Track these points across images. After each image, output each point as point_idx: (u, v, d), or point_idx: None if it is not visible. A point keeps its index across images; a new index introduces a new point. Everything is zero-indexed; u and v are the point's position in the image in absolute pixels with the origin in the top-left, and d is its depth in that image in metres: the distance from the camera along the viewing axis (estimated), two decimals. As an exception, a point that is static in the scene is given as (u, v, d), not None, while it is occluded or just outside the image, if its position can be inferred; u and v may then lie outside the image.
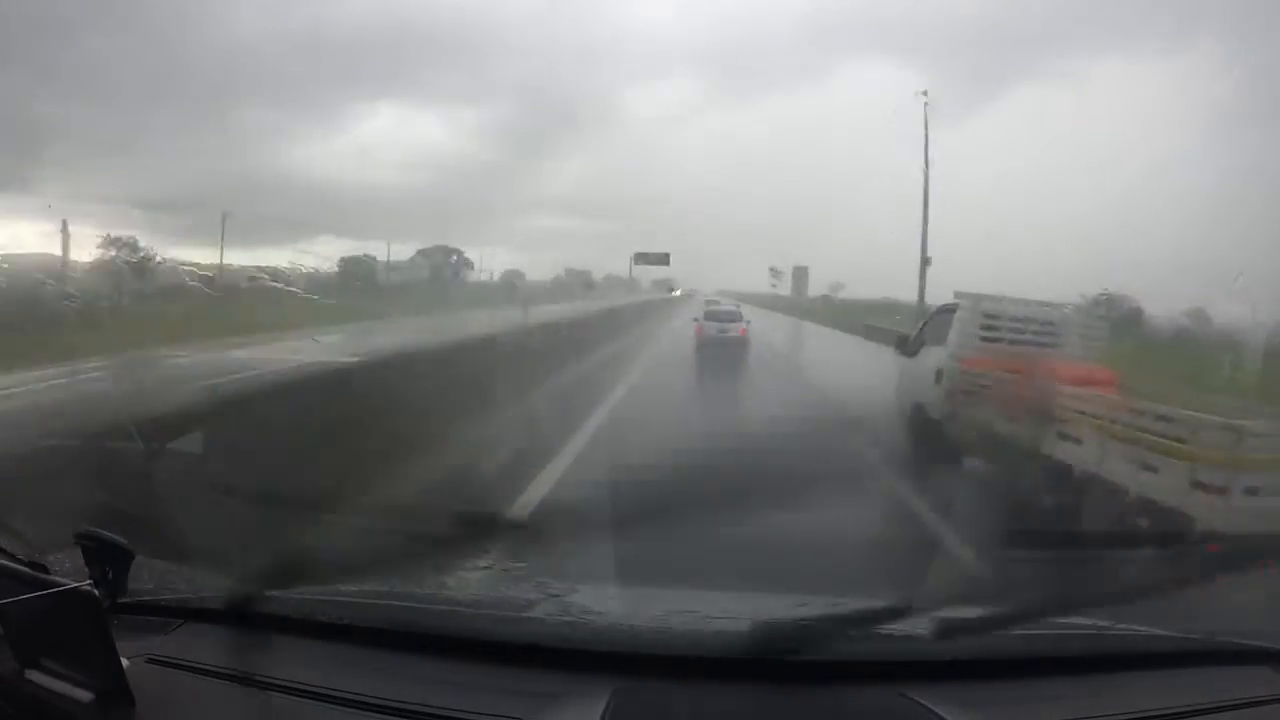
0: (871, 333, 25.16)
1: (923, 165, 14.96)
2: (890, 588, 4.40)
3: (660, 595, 2.88)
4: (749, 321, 22.50)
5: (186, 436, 4.74)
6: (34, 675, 1.61)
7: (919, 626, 2.02)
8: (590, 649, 1.89)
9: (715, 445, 9.60)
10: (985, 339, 8.65)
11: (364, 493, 5.34)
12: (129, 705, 1.59)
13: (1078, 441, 6.22)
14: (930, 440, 8.73)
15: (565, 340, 13.78)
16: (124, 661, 1.62)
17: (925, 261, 15.23)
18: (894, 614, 2.02)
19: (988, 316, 8.76)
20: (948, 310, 9.38)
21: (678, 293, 34.45)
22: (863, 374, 17.21)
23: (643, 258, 23.31)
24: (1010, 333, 8.64)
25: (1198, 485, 4.98)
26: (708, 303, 24.98)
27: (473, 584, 3.28)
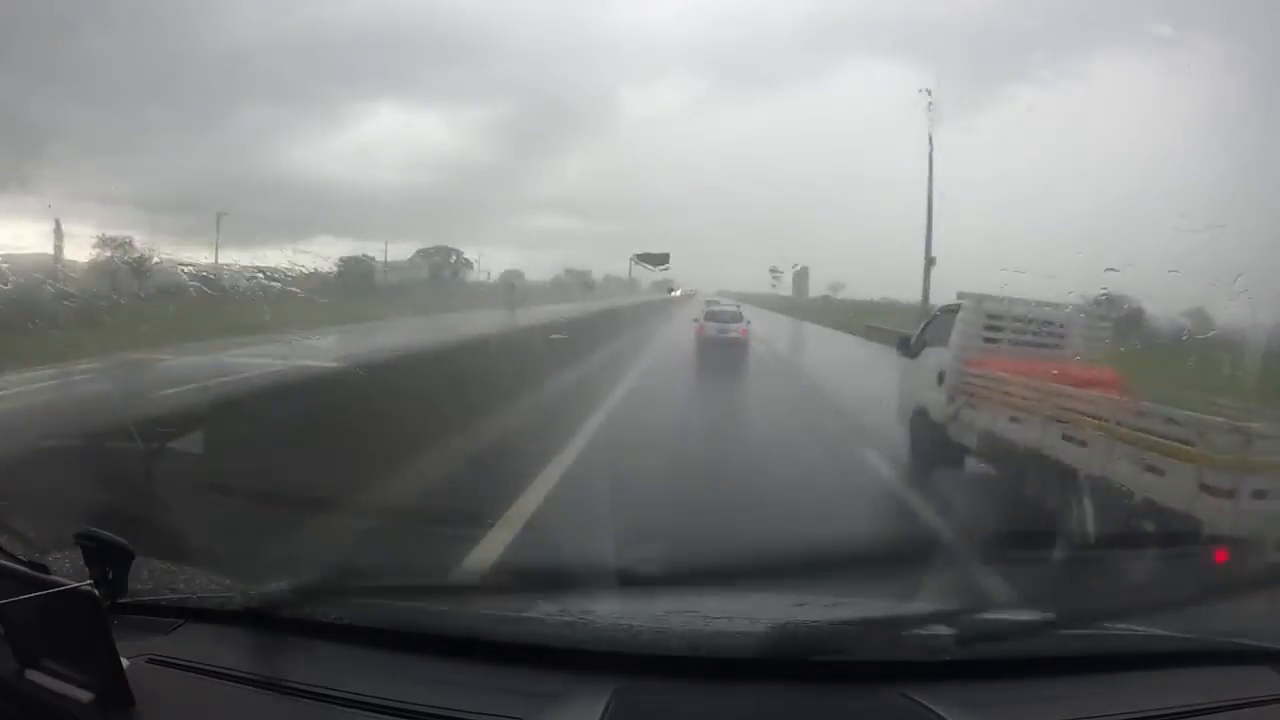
0: (873, 334, 25.17)
1: (925, 164, 14.83)
2: (890, 588, 4.40)
3: (660, 595, 2.87)
4: (749, 322, 22.50)
5: (187, 436, 4.74)
6: (34, 675, 1.61)
7: (920, 626, 2.02)
8: (590, 649, 1.89)
9: (715, 453, 9.59)
10: (988, 340, 8.58)
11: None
12: (129, 705, 1.59)
13: (1082, 444, 6.13)
14: (932, 442, 8.69)
15: (557, 343, 13.58)
16: (124, 661, 1.62)
17: (930, 261, 15.08)
18: (894, 614, 2.02)
19: (990, 317, 8.68)
20: (950, 311, 9.33)
21: (677, 293, 34.36)
22: (864, 375, 17.23)
23: (642, 258, 23.29)
24: (1013, 334, 8.56)
25: (1205, 488, 4.91)
26: (708, 303, 24.96)
27: (472, 583, 3.28)
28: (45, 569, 1.80)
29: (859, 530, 6.41)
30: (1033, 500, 6.55)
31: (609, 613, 2.27)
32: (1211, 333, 7.38)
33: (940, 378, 8.69)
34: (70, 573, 1.82)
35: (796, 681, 1.84)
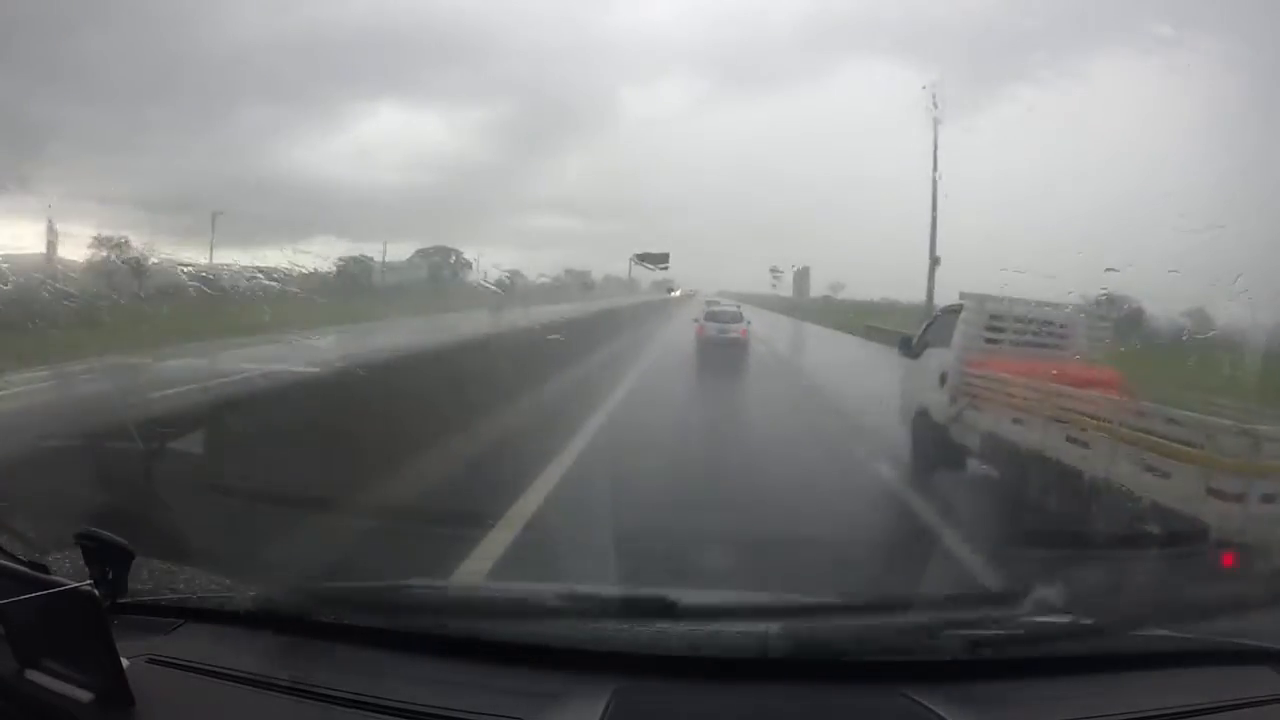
0: (872, 334, 25.16)
1: (925, 164, 14.72)
2: (891, 588, 4.41)
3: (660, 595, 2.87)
4: (749, 322, 22.51)
5: (187, 436, 4.74)
6: (34, 675, 1.61)
7: (919, 626, 2.02)
8: (590, 649, 1.89)
9: (715, 453, 9.58)
10: (990, 340, 8.53)
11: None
12: (129, 705, 1.59)
13: (1087, 446, 6.07)
14: (934, 443, 8.65)
15: (554, 344, 13.42)
16: (124, 661, 1.62)
17: (935, 261, 14.94)
18: (894, 614, 2.02)
19: (993, 318, 8.64)
20: (952, 311, 9.30)
21: (676, 293, 34.26)
22: (864, 375, 17.23)
23: (642, 258, 23.27)
24: (1016, 334, 8.52)
25: (1213, 492, 4.84)
26: (708, 303, 24.95)
27: (472, 584, 3.29)
28: (45, 569, 1.81)
29: (859, 530, 6.41)
30: (1035, 502, 6.49)
31: (609, 613, 2.27)
32: (1211, 333, 7.37)
33: (942, 379, 8.66)
34: (70, 573, 1.82)
35: (796, 681, 1.84)
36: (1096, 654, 2.01)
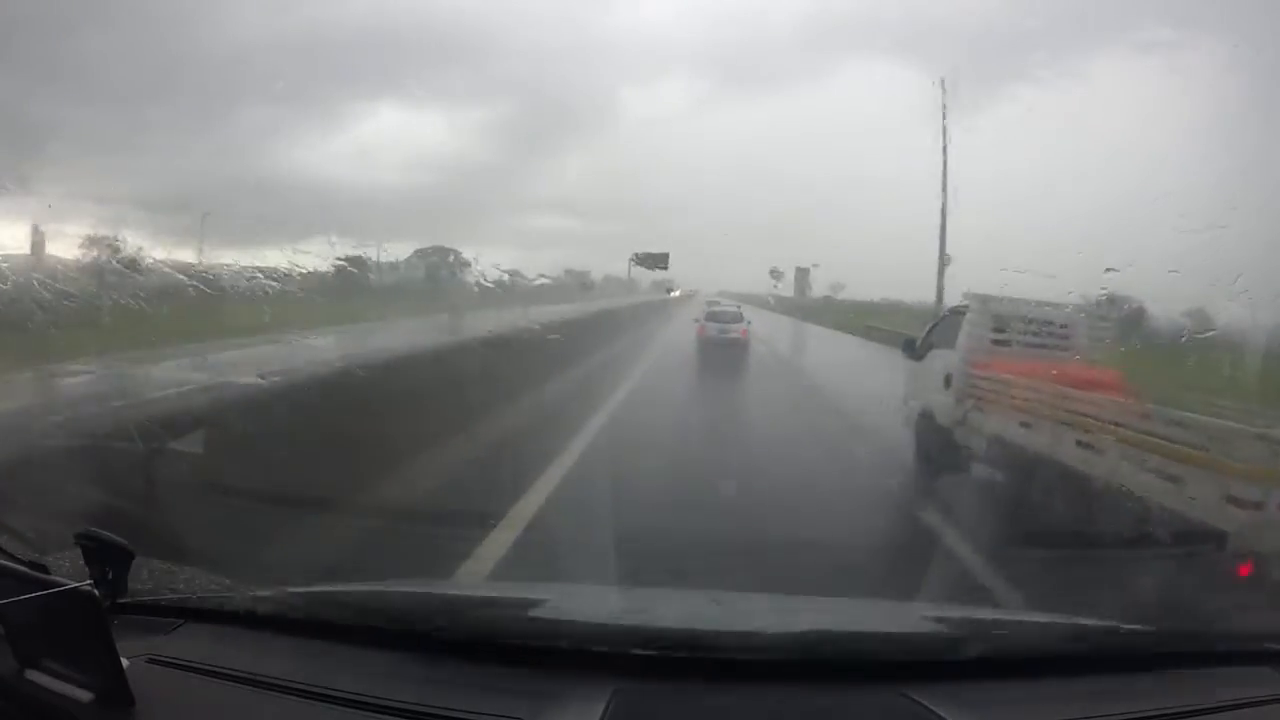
0: (872, 334, 25.16)
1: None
2: (891, 589, 4.40)
3: (660, 596, 2.88)
4: (750, 323, 22.54)
5: (187, 436, 4.74)
6: (34, 675, 1.61)
7: (919, 626, 2.02)
8: (590, 649, 1.89)
9: (715, 453, 9.57)
10: (996, 342, 8.44)
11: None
12: (129, 705, 1.59)
13: (1097, 450, 5.96)
14: (938, 446, 8.61)
15: (546, 346, 13.20)
16: (124, 661, 1.62)
17: (945, 260, 14.77)
18: (894, 614, 2.02)
19: (998, 319, 8.57)
20: (956, 312, 9.26)
21: (676, 294, 34.18)
22: (864, 375, 17.23)
23: (641, 258, 23.23)
24: (1023, 335, 8.45)
25: (1232, 500, 4.71)
26: (709, 303, 24.98)
27: (472, 584, 3.29)
28: (45, 569, 1.80)
29: (859, 531, 6.40)
30: (1041, 505, 6.41)
31: (609, 613, 2.27)
32: (1211, 332, 7.35)
33: (946, 380, 8.62)
34: (70, 573, 1.82)
35: (796, 681, 1.84)
36: (1096, 654, 2.01)
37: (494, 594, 3.01)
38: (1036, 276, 8.28)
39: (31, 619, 1.60)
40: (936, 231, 14.69)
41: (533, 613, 2.19)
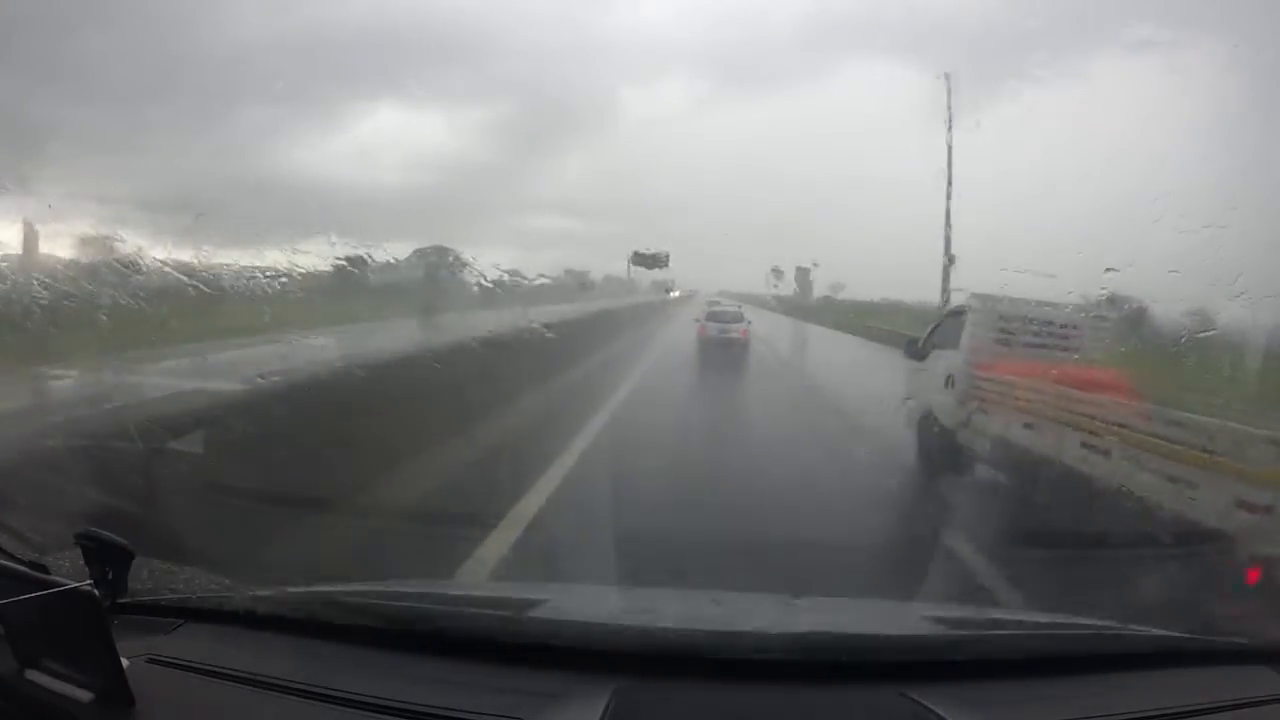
0: (872, 333, 25.16)
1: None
2: (891, 589, 4.40)
3: (660, 596, 2.88)
4: (750, 322, 22.55)
5: (187, 436, 4.74)
6: (34, 675, 1.61)
7: (919, 627, 2.02)
8: (590, 649, 1.89)
9: (716, 453, 9.57)
10: (999, 342, 8.39)
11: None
12: (129, 705, 1.59)
13: (1102, 453, 5.92)
14: (941, 448, 8.57)
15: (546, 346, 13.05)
16: (124, 661, 1.62)
17: (950, 260, 14.71)
18: (894, 614, 2.02)
19: (1002, 319, 8.54)
20: (958, 313, 9.23)
21: (675, 294, 34.10)
22: (864, 375, 17.22)
23: (640, 258, 23.21)
24: (1025, 335, 8.43)
25: (1242, 504, 4.66)
26: (709, 303, 24.99)
27: (472, 584, 3.28)
28: (45, 569, 1.81)
29: (859, 531, 6.40)
30: (1045, 506, 6.36)
31: (609, 613, 2.28)
32: (1211, 332, 7.34)
33: (948, 381, 8.59)
34: (70, 573, 1.82)
35: (796, 681, 1.84)
36: (1096, 654, 2.01)
37: (494, 594, 3.01)
38: (1036, 276, 8.26)
39: (31, 619, 1.60)
40: (936, 231, 14.68)
41: (533, 613, 2.19)
